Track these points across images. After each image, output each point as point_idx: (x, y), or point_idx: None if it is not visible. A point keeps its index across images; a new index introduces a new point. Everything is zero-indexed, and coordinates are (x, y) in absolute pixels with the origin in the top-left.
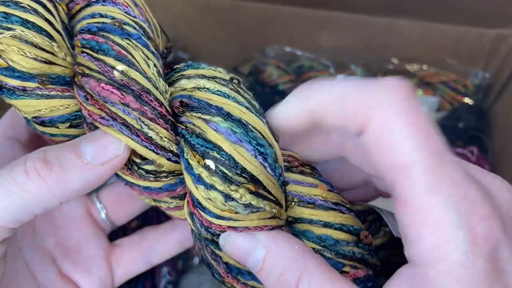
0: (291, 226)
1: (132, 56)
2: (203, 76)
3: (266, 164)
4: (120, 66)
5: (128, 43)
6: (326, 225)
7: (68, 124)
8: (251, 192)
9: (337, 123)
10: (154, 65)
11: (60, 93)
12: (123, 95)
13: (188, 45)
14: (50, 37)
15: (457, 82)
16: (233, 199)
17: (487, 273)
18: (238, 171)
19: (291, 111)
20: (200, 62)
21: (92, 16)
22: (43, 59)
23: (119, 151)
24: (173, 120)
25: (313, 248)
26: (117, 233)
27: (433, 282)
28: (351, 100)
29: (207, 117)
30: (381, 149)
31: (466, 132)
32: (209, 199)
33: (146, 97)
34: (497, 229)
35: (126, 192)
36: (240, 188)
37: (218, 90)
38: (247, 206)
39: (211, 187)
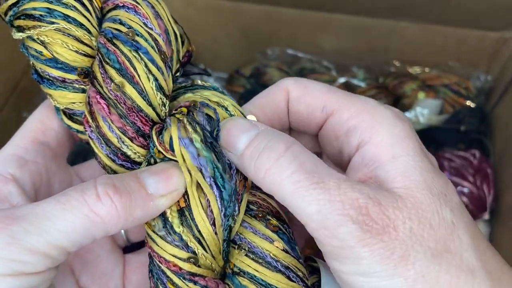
0: (233, 278)
1: (135, 69)
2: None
3: (217, 195)
4: (118, 80)
5: (134, 55)
6: (266, 287)
7: None
8: (177, 210)
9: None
10: (155, 79)
11: None
12: (109, 112)
13: None
14: (89, 32)
15: (459, 84)
16: (165, 220)
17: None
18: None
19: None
20: (201, 63)
21: (113, 20)
22: (84, 53)
23: (180, 185)
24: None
25: None
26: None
27: (385, 152)
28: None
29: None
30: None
31: (468, 135)
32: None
33: (132, 116)
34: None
35: None
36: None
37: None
38: (165, 224)
39: None
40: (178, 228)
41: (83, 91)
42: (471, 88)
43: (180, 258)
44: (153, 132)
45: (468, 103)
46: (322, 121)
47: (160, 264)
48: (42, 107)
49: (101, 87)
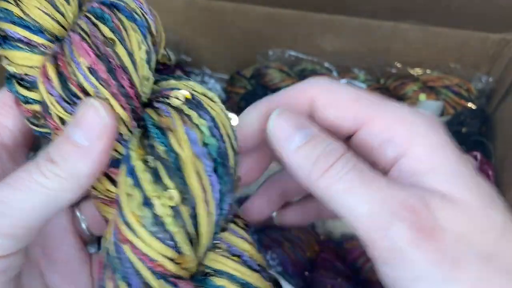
0: (206, 279)
1: (128, 34)
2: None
3: (215, 189)
4: (110, 36)
5: (130, 24)
6: (245, 286)
7: None
8: (172, 207)
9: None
10: (146, 51)
11: None
12: (97, 60)
13: (191, 48)
14: (67, 1)
15: (460, 86)
16: (149, 204)
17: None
18: (177, 179)
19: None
20: (202, 65)
21: None
22: (56, 20)
23: (104, 119)
24: (138, 106)
25: None
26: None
27: (425, 164)
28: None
29: (193, 114)
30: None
31: (469, 136)
32: (130, 195)
33: (120, 74)
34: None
35: None
36: (164, 195)
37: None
38: (157, 220)
39: (137, 183)
40: (172, 226)
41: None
42: (472, 90)
43: (169, 258)
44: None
45: (470, 105)
46: (352, 132)
47: (137, 262)
48: None
49: (88, 36)
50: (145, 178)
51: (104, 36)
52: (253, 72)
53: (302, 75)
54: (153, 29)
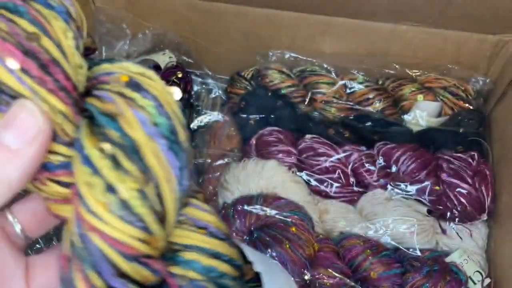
0: (175, 256)
1: (50, 24)
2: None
3: (174, 166)
4: (32, 29)
5: (49, 13)
6: (216, 255)
7: None
8: (138, 190)
9: None
10: (73, 37)
11: None
12: (26, 58)
13: (192, 49)
14: None
15: (458, 87)
16: (114, 190)
17: None
18: (137, 162)
19: None
20: (203, 66)
21: None
22: None
23: (39, 123)
24: (77, 97)
25: (196, 280)
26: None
27: None
28: None
29: (136, 96)
30: None
31: (467, 137)
32: (90, 184)
33: (52, 68)
34: None
35: (41, 207)
36: (127, 179)
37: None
38: (124, 205)
39: (96, 171)
40: (140, 208)
41: None
42: (470, 90)
43: (139, 239)
44: None
45: (467, 105)
46: None
47: (107, 249)
48: None
49: (9, 35)
50: (104, 165)
51: (25, 31)
52: (253, 73)
53: (301, 76)
54: (73, 13)
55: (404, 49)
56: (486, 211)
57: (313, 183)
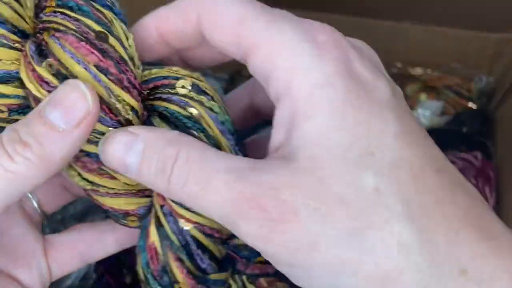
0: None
1: (113, 25)
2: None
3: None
4: (99, 28)
5: (109, 13)
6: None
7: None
8: None
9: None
10: (132, 38)
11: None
12: (103, 57)
13: None
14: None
15: (461, 86)
16: None
17: (342, 74)
18: None
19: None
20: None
21: None
22: (14, 10)
23: (89, 106)
24: (145, 94)
25: None
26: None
27: (297, 101)
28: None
29: (202, 98)
30: (217, 21)
31: (470, 136)
32: None
33: (123, 67)
34: (340, 37)
35: (57, 182)
36: None
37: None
38: None
39: None
40: None
41: (10, 47)
42: (473, 89)
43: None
44: None
45: (470, 104)
46: (245, 61)
47: (198, 234)
48: None
49: (81, 34)
50: None
51: (93, 31)
52: None
53: None
54: (123, 16)
55: (406, 47)
56: None
57: None
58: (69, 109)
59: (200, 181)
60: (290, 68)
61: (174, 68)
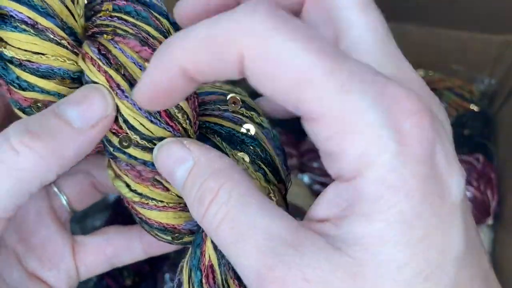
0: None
1: (169, 32)
2: None
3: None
4: (157, 35)
5: (166, 22)
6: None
7: (65, 81)
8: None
9: (213, 71)
10: None
11: (69, 46)
12: None
13: None
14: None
15: (462, 88)
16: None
17: (422, 177)
18: (276, 176)
19: (156, 79)
20: None
21: None
22: (65, 5)
23: (107, 111)
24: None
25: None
26: None
27: (363, 194)
28: (218, 38)
29: (252, 114)
30: (268, 69)
31: (472, 139)
32: None
33: None
34: (429, 126)
35: (88, 181)
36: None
37: None
38: None
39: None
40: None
41: (57, 43)
42: (474, 91)
43: None
44: None
45: (472, 106)
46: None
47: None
48: None
49: (141, 40)
50: (258, 177)
51: (154, 37)
52: None
53: None
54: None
55: (408, 49)
56: (492, 215)
57: (316, 186)
58: (87, 109)
59: (233, 232)
60: (363, 161)
61: (217, 84)
